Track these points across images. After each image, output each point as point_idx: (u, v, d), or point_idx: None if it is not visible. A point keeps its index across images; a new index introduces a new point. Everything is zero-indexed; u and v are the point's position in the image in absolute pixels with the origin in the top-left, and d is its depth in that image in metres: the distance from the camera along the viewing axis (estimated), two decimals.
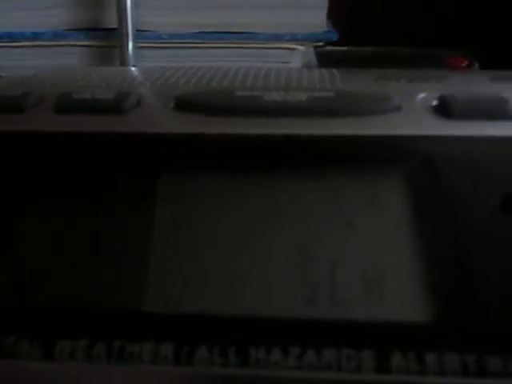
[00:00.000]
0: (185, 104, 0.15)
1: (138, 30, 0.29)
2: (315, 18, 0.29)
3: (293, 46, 0.29)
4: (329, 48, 0.34)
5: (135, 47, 0.29)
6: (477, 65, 0.39)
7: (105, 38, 0.30)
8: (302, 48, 0.29)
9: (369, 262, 0.12)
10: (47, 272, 0.12)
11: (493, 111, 0.14)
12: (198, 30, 0.29)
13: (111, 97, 0.16)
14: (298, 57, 0.29)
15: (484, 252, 0.11)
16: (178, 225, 0.13)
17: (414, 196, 0.13)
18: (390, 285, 0.11)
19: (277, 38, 0.29)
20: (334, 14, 0.29)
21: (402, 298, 0.11)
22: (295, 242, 0.12)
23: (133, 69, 0.22)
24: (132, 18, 0.28)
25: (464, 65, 0.39)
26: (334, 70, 0.20)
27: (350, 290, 0.11)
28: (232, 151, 0.14)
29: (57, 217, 0.13)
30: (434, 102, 0.15)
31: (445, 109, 0.15)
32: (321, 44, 0.29)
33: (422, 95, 0.16)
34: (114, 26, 0.29)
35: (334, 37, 0.28)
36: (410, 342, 0.10)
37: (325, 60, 0.34)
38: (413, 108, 0.15)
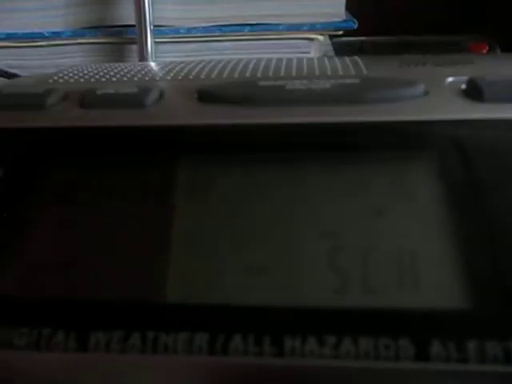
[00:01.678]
0: (208, 96, 0.15)
1: (155, 26, 0.29)
2: (334, 7, 0.28)
3: (312, 36, 0.28)
4: (345, 38, 0.33)
5: (153, 43, 0.29)
6: (498, 49, 0.38)
7: (123, 35, 0.30)
8: (321, 38, 0.28)
9: (402, 249, 0.12)
10: (81, 264, 0.12)
11: None
12: (215, 24, 0.29)
13: (134, 91, 0.16)
14: (317, 47, 0.29)
15: None
16: (206, 215, 0.13)
17: (446, 181, 0.12)
18: (424, 272, 0.11)
19: (296, 28, 0.28)
20: (352, 2, 0.29)
21: (438, 284, 0.11)
22: (324, 231, 0.12)
23: (153, 64, 0.22)
24: (150, 13, 0.28)
25: (485, 50, 0.38)
26: (356, 58, 0.20)
27: (384, 277, 0.11)
28: (258, 141, 0.14)
29: (85, 210, 0.13)
30: (463, 86, 0.15)
31: (474, 92, 0.14)
32: (340, 33, 0.29)
33: (449, 79, 0.15)
34: (132, 22, 0.29)
35: (354, 26, 0.28)
36: (448, 330, 0.10)
37: (342, 50, 0.33)
38: (441, 92, 0.15)
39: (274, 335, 0.10)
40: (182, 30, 0.30)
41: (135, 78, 0.18)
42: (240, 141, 0.14)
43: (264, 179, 0.13)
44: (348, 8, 0.29)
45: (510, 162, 0.13)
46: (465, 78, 0.15)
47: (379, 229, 0.12)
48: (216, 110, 0.15)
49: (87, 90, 0.16)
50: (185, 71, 0.19)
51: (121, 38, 0.30)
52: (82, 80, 0.18)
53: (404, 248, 0.12)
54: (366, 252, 0.11)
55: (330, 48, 0.31)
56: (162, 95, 0.16)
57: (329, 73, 0.17)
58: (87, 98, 0.15)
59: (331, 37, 0.30)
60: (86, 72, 0.20)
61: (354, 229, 0.12)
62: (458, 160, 0.13)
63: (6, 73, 0.30)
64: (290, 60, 0.20)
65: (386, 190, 0.12)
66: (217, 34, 0.29)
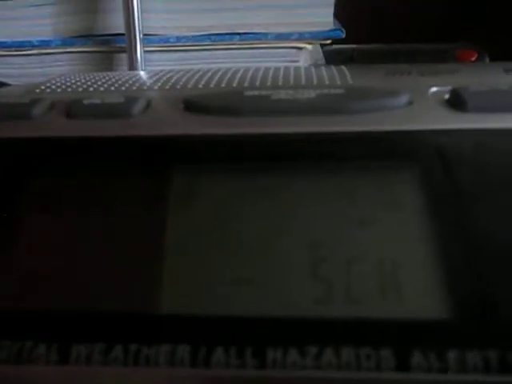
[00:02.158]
0: (194, 106, 0.15)
1: (145, 35, 0.29)
2: (322, 16, 0.28)
3: (301, 45, 0.29)
4: (336, 46, 0.34)
5: (143, 51, 0.29)
6: (487, 58, 0.38)
7: (112, 44, 0.30)
8: (309, 47, 0.29)
9: (385, 259, 0.12)
10: (63, 276, 0.12)
11: (507, 103, 0.14)
12: (205, 33, 0.29)
13: (121, 101, 0.16)
14: (306, 55, 0.29)
15: (502, 247, 0.11)
16: (191, 226, 0.13)
17: (429, 191, 0.13)
18: (407, 282, 0.11)
19: (284, 37, 0.29)
20: (341, 11, 0.29)
21: (420, 294, 0.11)
22: (309, 241, 0.12)
23: (141, 73, 0.22)
24: (139, 22, 0.28)
25: (474, 58, 0.38)
26: (343, 67, 0.20)
27: (367, 287, 0.11)
28: (243, 151, 0.14)
29: (70, 221, 0.13)
30: (447, 96, 0.15)
31: (458, 102, 0.14)
32: (328, 42, 0.29)
33: (433, 89, 0.16)
34: (121, 31, 0.29)
35: (342, 35, 0.28)
36: (429, 340, 0.10)
37: (333, 58, 0.33)
38: (425, 102, 0.15)
39: (256, 347, 0.10)
40: (171, 39, 0.30)
41: (123, 88, 0.18)
42: (225, 151, 0.14)
43: (250, 189, 0.13)
44: (342, 15, 0.29)
45: (494, 172, 0.13)
46: (448, 87, 0.15)
47: (363, 239, 0.12)
48: (202, 120, 0.15)
49: (73, 100, 0.16)
50: (172, 80, 0.19)
51: (110, 47, 0.30)
52: (69, 90, 0.18)
53: (386, 258, 0.12)
54: (348, 262, 0.11)
55: (321, 56, 0.31)
56: (148, 105, 0.16)
57: (315, 82, 0.17)
58: (73, 108, 0.15)
59: (322, 45, 0.30)
60: (73, 81, 0.20)
61: (339, 239, 0.12)
62: (442, 170, 0.13)
63: None
64: (277, 69, 0.20)
65: (371, 200, 0.13)
66: (206, 43, 0.29)
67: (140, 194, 0.14)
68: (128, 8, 0.28)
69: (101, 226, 0.13)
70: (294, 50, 0.29)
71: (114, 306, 0.11)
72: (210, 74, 0.20)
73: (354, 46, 0.36)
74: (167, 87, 0.18)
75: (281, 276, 0.12)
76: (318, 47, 0.30)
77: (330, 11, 0.28)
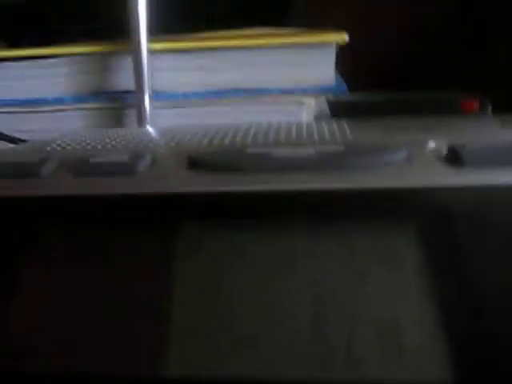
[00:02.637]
0: (197, 163, 0.16)
1: (154, 92, 0.30)
2: (324, 73, 0.29)
3: (304, 100, 0.29)
4: (341, 97, 0.35)
5: (152, 108, 0.30)
6: (490, 108, 0.39)
7: (122, 100, 0.31)
8: (313, 101, 0.29)
9: (385, 319, 0.11)
10: (59, 337, 0.12)
11: (504, 158, 0.14)
12: (211, 89, 0.30)
13: (126, 159, 0.16)
14: (310, 108, 0.30)
15: (505, 305, 0.11)
16: (195, 284, 0.13)
17: (429, 248, 0.13)
18: (408, 342, 0.11)
19: (288, 92, 0.29)
20: (345, 61, 0.30)
21: (422, 356, 0.11)
22: (311, 300, 0.12)
23: (149, 129, 0.23)
24: (148, 80, 0.29)
25: (476, 109, 0.39)
26: (343, 123, 0.21)
27: (369, 349, 0.11)
28: (245, 208, 0.14)
29: (75, 278, 0.13)
30: (444, 152, 0.15)
31: (455, 158, 0.15)
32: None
33: (431, 145, 0.16)
34: (131, 88, 0.30)
35: (344, 89, 0.29)
36: None
37: (337, 109, 0.34)
38: (423, 158, 0.15)
39: None
40: (179, 96, 0.31)
41: (130, 145, 0.19)
42: (228, 208, 0.14)
43: (253, 246, 0.13)
44: (341, 64, 0.30)
45: (493, 228, 0.13)
46: (446, 143, 0.16)
47: (362, 298, 0.12)
48: (205, 178, 0.15)
49: (80, 158, 0.16)
50: (178, 137, 0.20)
51: (120, 104, 0.31)
52: (78, 147, 0.19)
53: (387, 318, 0.12)
54: (350, 323, 0.11)
55: (325, 106, 0.32)
56: (153, 162, 0.16)
57: (316, 138, 0.18)
58: (80, 167, 0.16)
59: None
60: (83, 138, 0.21)
61: (338, 298, 0.12)
62: (440, 226, 0.13)
63: (9, 137, 0.31)
64: (279, 126, 0.21)
65: (370, 257, 0.13)
66: (212, 99, 0.30)
67: (146, 251, 0.14)
68: (137, 67, 0.29)
69: (106, 284, 0.13)
70: (297, 104, 0.30)
71: (103, 368, 0.11)
72: (214, 130, 0.21)
73: (358, 96, 0.37)
74: (172, 144, 0.19)
75: (280, 338, 0.11)
76: (323, 98, 0.31)
77: (331, 67, 0.29)
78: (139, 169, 0.16)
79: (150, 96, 0.30)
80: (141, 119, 0.29)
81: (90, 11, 0.33)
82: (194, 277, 0.13)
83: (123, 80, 0.31)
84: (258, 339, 0.11)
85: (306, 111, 0.30)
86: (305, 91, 0.29)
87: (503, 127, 0.18)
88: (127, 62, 0.30)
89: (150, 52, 0.29)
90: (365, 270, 0.12)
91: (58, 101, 0.31)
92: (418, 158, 0.15)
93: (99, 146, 0.19)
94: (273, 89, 0.30)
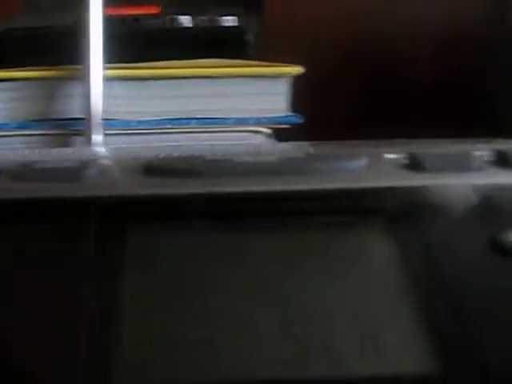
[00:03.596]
0: (154, 169, 0.15)
1: (105, 119, 0.29)
2: (277, 103, 0.30)
3: (258, 129, 0.30)
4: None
5: (103, 135, 0.29)
6: None
7: (71, 127, 0.30)
8: (267, 130, 0.30)
9: (354, 317, 0.11)
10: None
11: (457, 164, 0.15)
12: (165, 117, 0.30)
13: (73, 165, 0.15)
14: (265, 139, 0.30)
15: (478, 295, 0.11)
16: (147, 288, 0.12)
17: (394, 245, 0.12)
18: (383, 337, 0.10)
19: (242, 122, 0.30)
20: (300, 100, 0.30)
21: (397, 351, 0.10)
22: (275, 300, 0.11)
23: (100, 148, 0.22)
24: (99, 107, 0.29)
25: None
26: (304, 143, 0.21)
27: (341, 344, 0.10)
28: (204, 211, 0.14)
29: (17, 286, 0.12)
30: (401, 159, 0.16)
31: (411, 163, 0.15)
32: (285, 127, 0.30)
33: (390, 155, 0.16)
34: (81, 115, 0.29)
35: (298, 120, 0.30)
36: None
37: None
38: (381, 165, 0.15)
39: None
40: (132, 123, 0.30)
41: (78, 156, 0.18)
42: (185, 211, 0.14)
43: (208, 249, 0.13)
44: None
45: (450, 224, 0.13)
46: (404, 152, 0.16)
47: (328, 295, 0.11)
48: (160, 182, 0.14)
49: (23, 163, 0.15)
50: (132, 152, 0.19)
51: (69, 130, 0.30)
52: (20, 159, 0.18)
53: (357, 316, 0.11)
54: (316, 320, 0.11)
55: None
56: (104, 169, 0.16)
57: (276, 150, 0.18)
58: (21, 171, 0.15)
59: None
60: (26, 154, 0.20)
61: (303, 296, 0.11)
62: (404, 224, 0.13)
63: None
64: (238, 145, 0.21)
65: (333, 255, 0.12)
66: (166, 127, 0.30)
67: (96, 255, 0.13)
68: (88, 93, 0.28)
69: (53, 288, 0.12)
70: (251, 134, 0.30)
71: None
72: (170, 148, 0.20)
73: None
74: (125, 156, 0.18)
75: (250, 337, 0.11)
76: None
77: (284, 98, 0.30)
78: (87, 174, 0.15)
79: (100, 123, 0.29)
80: (91, 146, 0.28)
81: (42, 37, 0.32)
82: (146, 280, 0.12)
83: (72, 107, 0.30)
84: (220, 342, 0.11)
85: (261, 141, 0.30)
86: (258, 121, 0.30)
87: (453, 144, 0.19)
88: (78, 89, 0.29)
89: (103, 79, 0.29)
90: (333, 268, 0.12)
91: (2, 126, 0.30)
92: (378, 164, 0.15)
93: (45, 158, 0.18)
94: (227, 118, 0.30)
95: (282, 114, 0.30)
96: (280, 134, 0.30)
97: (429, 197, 0.13)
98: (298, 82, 0.30)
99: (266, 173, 0.14)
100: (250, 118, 0.30)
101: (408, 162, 0.15)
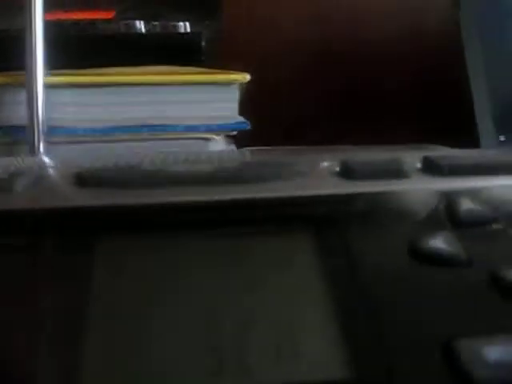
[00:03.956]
0: (85, 180, 0.15)
1: (51, 126, 0.29)
2: (227, 110, 0.30)
3: (209, 136, 0.29)
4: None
5: (47, 143, 0.28)
6: None
7: (15, 135, 0.29)
8: (217, 137, 0.30)
9: (279, 324, 0.11)
10: None
11: (387, 171, 0.15)
12: (112, 125, 0.29)
13: (5, 177, 0.15)
14: (216, 145, 0.30)
15: (397, 305, 0.11)
16: (73, 302, 0.12)
17: (323, 253, 0.12)
18: (303, 346, 0.11)
19: (193, 129, 0.29)
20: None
21: (318, 358, 0.10)
22: (204, 309, 0.11)
23: (39, 158, 0.22)
24: (44, 113, 0.28)
25: None
26: (245, 150, 0.21)
27: (261, 354, 0.10)
28: (135, 222, 0.13)
29: None
30: (337, 168, 0.16)
31: (346, 172, 0.15)
32: (234, 134, 0.30)
33: (325, 163, 0.16)
34: (23, 123, 0.28)
35: (247, 127, 0.30)
36: None
37: None
38: (317, 173, 0.15)
39: None
40: (79, 131, 0.29)
41: (11, 167, 0.17)
42: (116, 222, 0.13)
43: (143, 259, 0.13)
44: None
45: (382, 231, 0.13)
46: (338, 160, 0.16)
47: (259, 304, 0.11)
48: (90, 193, 0.14)
49: None
50: (70, 161, 0.19)
51: (12, 138, 0.29)
52: None
53: (282, 323, 0.11)
54: (242, 328, 0.11)
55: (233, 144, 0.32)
56: (36, 181, 0.15)
57: (214, 159, 0.18)
58: None
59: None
60: None
61: (233, 305, 0.11)
62: (336, 233, 0.13)
63: None
64: (181, 153, 0.21)
65: (264, 264, 0.12)
66: (115, 135, 0.29)
67: (24, 270, 0.12)
68: (31, 100, 0.28)
69: None
70: (202, 141, 0.30)
71: None
72: (112, 155, 0.20)
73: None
74: (61, 165, 0.18)
75: (172, 347, 0.10)
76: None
77: (234, 105, 0.30)
78: (18, 186, 0.14)
79: (43, 131, 0.28)
80: (33, 154, 0.28)
81: None
82: (79, 292, 0.12)
83: (17, 114, 0.29)
84: (146, 350, 0.10)
85: (212, 147, 0.30)
86: (209, 128, 0.29)
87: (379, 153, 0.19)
88: (22, 96, 0.29)
89: (48, 86, 0.28)
90: (261, 276, 0.12)
91: None
92: (314, 171, 0.15)
93: None
94: (178, 125, 0.30)
95: (232, 121, 0.30)
96: (239, 140, 0.30)
97: (357, 204, 0.13)
98: (254, 88, 0.30)
99: (197, 182, 0.14)
100: (201, 126, 0.30)
101: (339, 169, 0.15)
